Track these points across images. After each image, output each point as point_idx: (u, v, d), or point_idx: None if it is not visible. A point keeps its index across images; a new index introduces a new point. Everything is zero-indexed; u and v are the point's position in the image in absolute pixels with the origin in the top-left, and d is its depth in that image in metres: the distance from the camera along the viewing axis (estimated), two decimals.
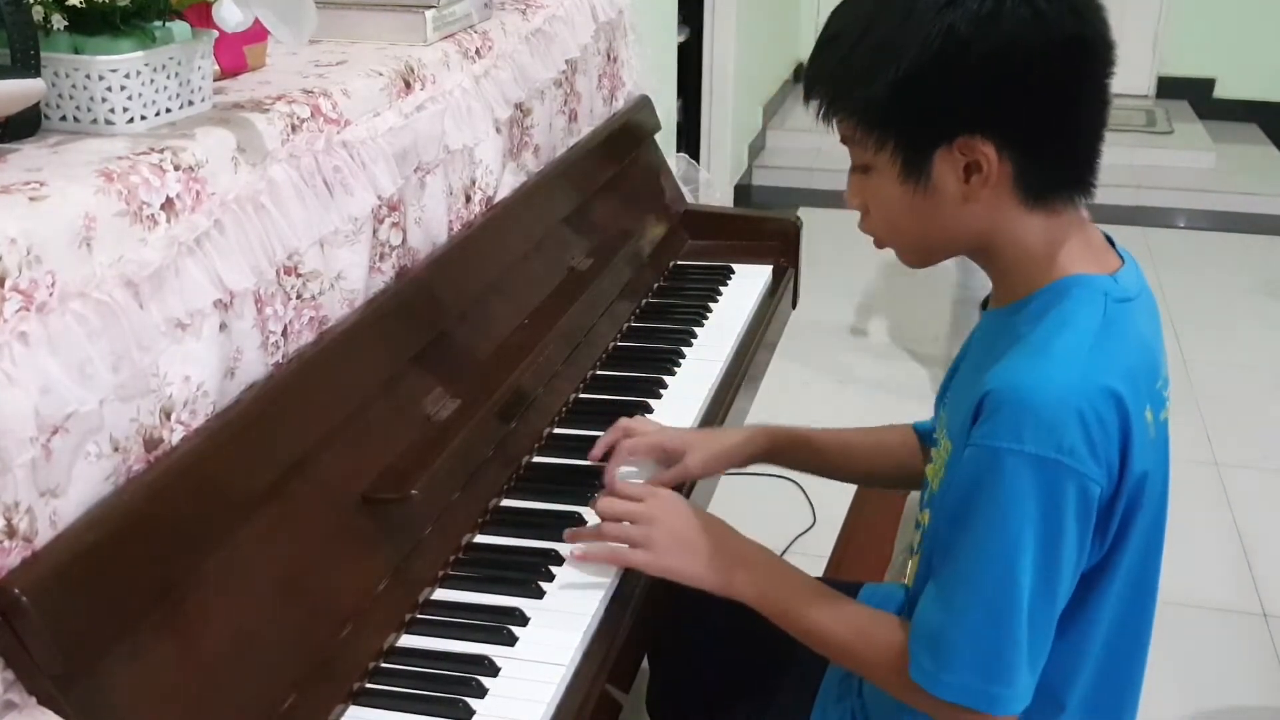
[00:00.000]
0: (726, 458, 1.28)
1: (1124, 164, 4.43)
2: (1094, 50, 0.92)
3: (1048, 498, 0.88)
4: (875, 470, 1.32)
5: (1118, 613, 1.00)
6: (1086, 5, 0.92)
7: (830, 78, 0.97)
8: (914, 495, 1.51)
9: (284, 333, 1.05)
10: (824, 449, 1.31)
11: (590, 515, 1.21)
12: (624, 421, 1.30)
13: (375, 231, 1.17)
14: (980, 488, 0.91)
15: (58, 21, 0.93)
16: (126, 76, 0.96)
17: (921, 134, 0.93)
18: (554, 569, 1.12)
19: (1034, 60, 0.89)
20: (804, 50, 5.32)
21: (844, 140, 0.98)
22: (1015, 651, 0.91)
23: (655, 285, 1.75)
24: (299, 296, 1.06)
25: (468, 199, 1.38)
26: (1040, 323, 0.94)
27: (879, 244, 1.03)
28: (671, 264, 1.83)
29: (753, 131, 4.46)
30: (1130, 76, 5.05)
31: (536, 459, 1.32)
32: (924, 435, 1.26)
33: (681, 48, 3.55)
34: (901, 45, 0.90)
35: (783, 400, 2.84)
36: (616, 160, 1.78)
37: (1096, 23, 0.92)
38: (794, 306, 1.90)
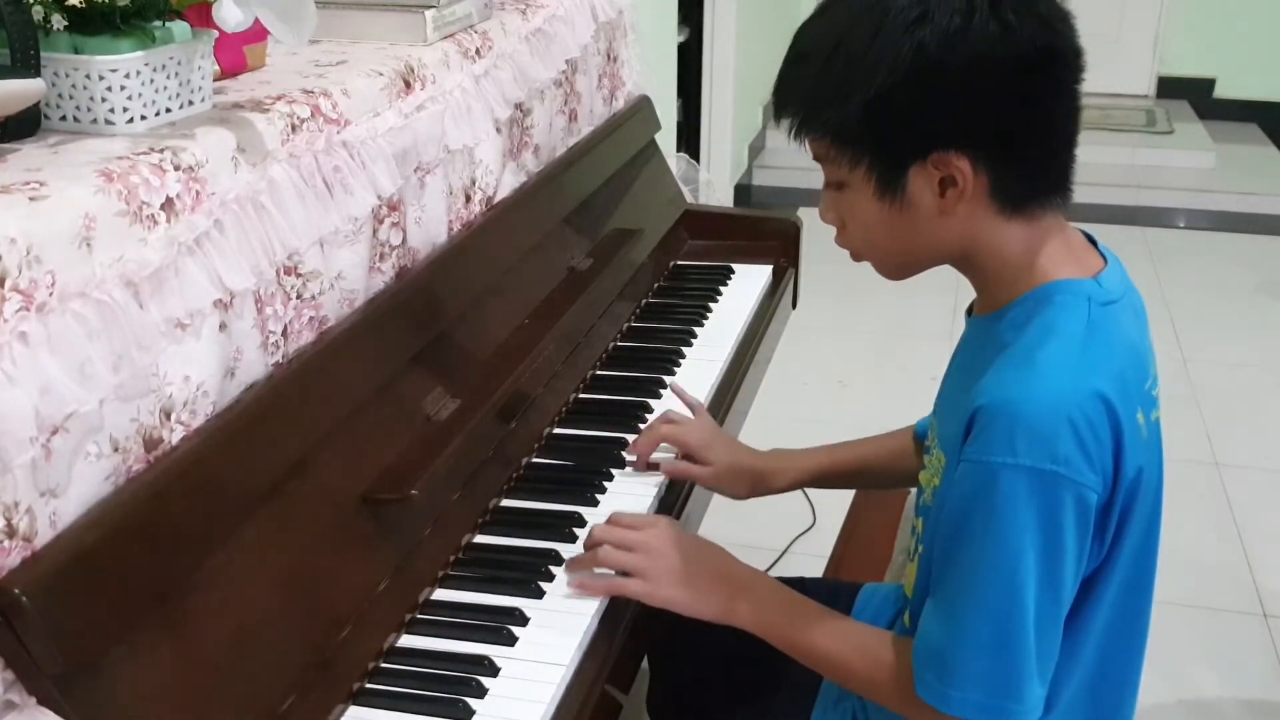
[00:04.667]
0: (735, 488, 1.30)
1: (1124, 164, 4.43)
2: (1064, 59, 0.92)
3: (1046, 509, 0.88)
4: (891, 481, 1.35)
5: (1114, 613, 1.00)
6: (1055, 15, 0.92)
7: (801, 98, 0.96)
8: (912, 496, 1.51)
9: (284, 333, 1.05)
10: (844, 473, 1.33)
11: (591, 515, 1.21)
12: (664, 428, 1.31)
13: (375, 231, 1.17)
14: (977, 503, 0.91)
15: (58, 21, 0.93)
16: (126, 76, 0.96)
17: (896, 151, 0.93)
18: (554, 569, 1.13)
19: (1005, 74, 0.89)
20: None
21: (816, 158, 0.99)
22: (1024, 664, 0.91)
23: (655, 285, 1.75)
24: (299, 296, 1.06)
25: (468, 199, 1.38)
26: (1024, 331, 0.94)
27: (856, 257, 1.03)
28: (671, 264, 1.83)
29: (753, 131, 4.46)
30: (1130, 76, 5.05)
31: (536, 459, 1.32)
32: (920, 437, 1.26)
33: (681, 48, 3.55)
34: (872, 64, 0.89)
35: (783, 400, 2.84)
36: (616, 160, 1.78)
37: (1066, 31, 0.92)
38: (794, 306, 1.90)
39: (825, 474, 1.33)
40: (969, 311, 1.06)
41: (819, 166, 1.01)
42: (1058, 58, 0.92)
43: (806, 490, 2.31)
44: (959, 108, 0.90)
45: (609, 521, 1.14)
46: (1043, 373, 0.90)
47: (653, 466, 1.30)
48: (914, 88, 0.89)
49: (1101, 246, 1.02)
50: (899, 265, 1.02)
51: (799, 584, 1.28)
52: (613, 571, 1.10)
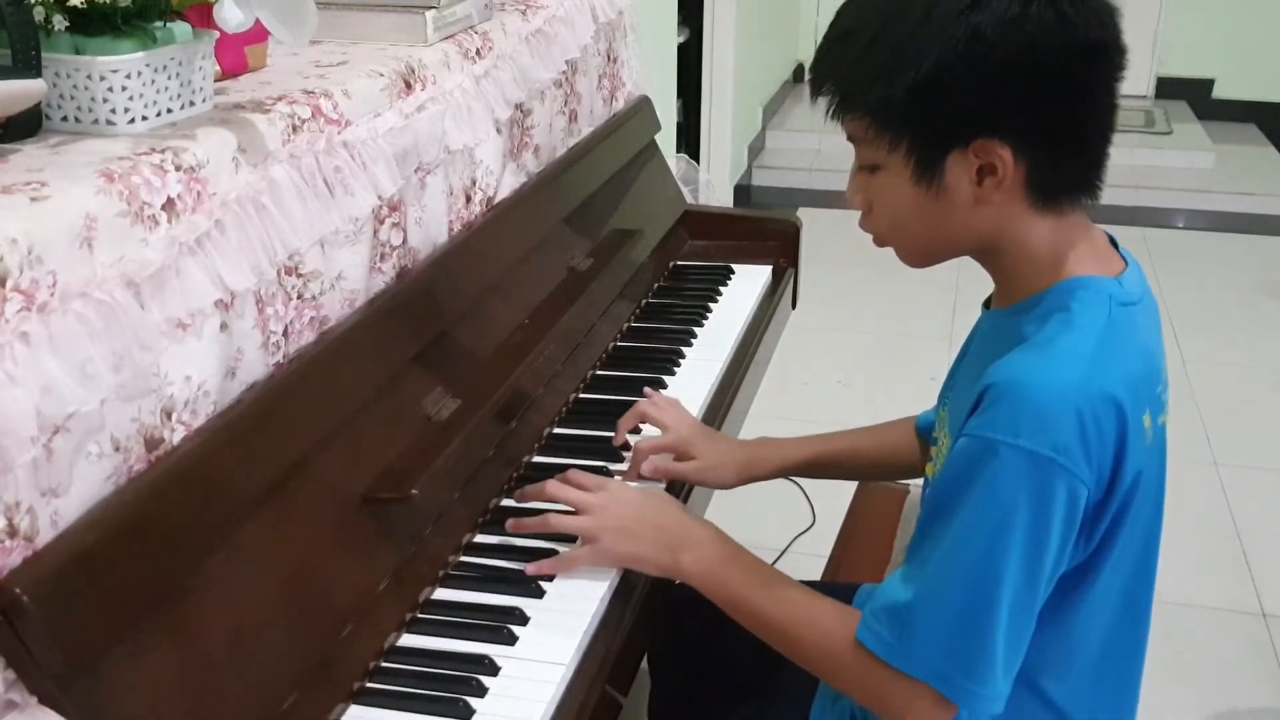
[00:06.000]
0: (726, 477, 1.30)
1: (1123, 164, 4.44)
2: (1111, 55, 0.93)
3: (1038, 494, 0.88)
4: (881, 472, 1.34)
5: (1114, 615, 0.99)
6: (1106, 10, 0.92)
7: (843, 76, 0.95)
8: (914, 495, 1.52)
9: (285, 333, 1.05)
10: (832, 462, 1.32)
11: None
12: (644, 405, 1.31)
13: (376, 232, 1.17)
14: (972, 476, 0.90)
15: (59, 22, 0.93)
16: (128, 77, 0.96)
17: (938, 136, 0.92)
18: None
19: (1057, 64, 0.89)
20: (804, 50, 5.32)
21: (851, 139, 0.98)
22: (990, 646, 0.90)
23: (655, 285, 1.75)
24: (300, 296, 1.07)
25: (468, 199, 1.38)
26: (1046, 323, 0.94)
27: (879, 242, 1.02)
28: (671, 264, 1.83)
29: (753, 131, 4.46)
30: (1129, 77, 4.99)
31: (537, 459, 1.32)
32: (925, 430, 1.26)
33: (681, 48, 3.56)
34: (922, 46, 0.89)
35: (783, 400, 2.85)
36: (616, 161, 1.78)
37: (1114, 28, 0.92)
38: (794, 306, 1.90)
39: (812, 461, 1.32)
40: (986, 304, 1.06)
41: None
42: (1106, 52, 0.92)
43: (806, 490, 2.33)
44: (1007, 96, 0.90)
45: (561, 478, 1.14)
46: (1057, 361, 0.90)
47: (627, 446, 1.30)
48: (965, 72, 0.89)
49: (1122, 249, 1.01)
50: (924, 253, 1.02)
51: None
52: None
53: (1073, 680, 1.00)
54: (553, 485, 1.14)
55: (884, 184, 0.97)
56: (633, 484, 1.19)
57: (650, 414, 1.30)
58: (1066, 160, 0.94)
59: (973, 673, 0.91)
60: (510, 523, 1.14)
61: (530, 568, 1.11)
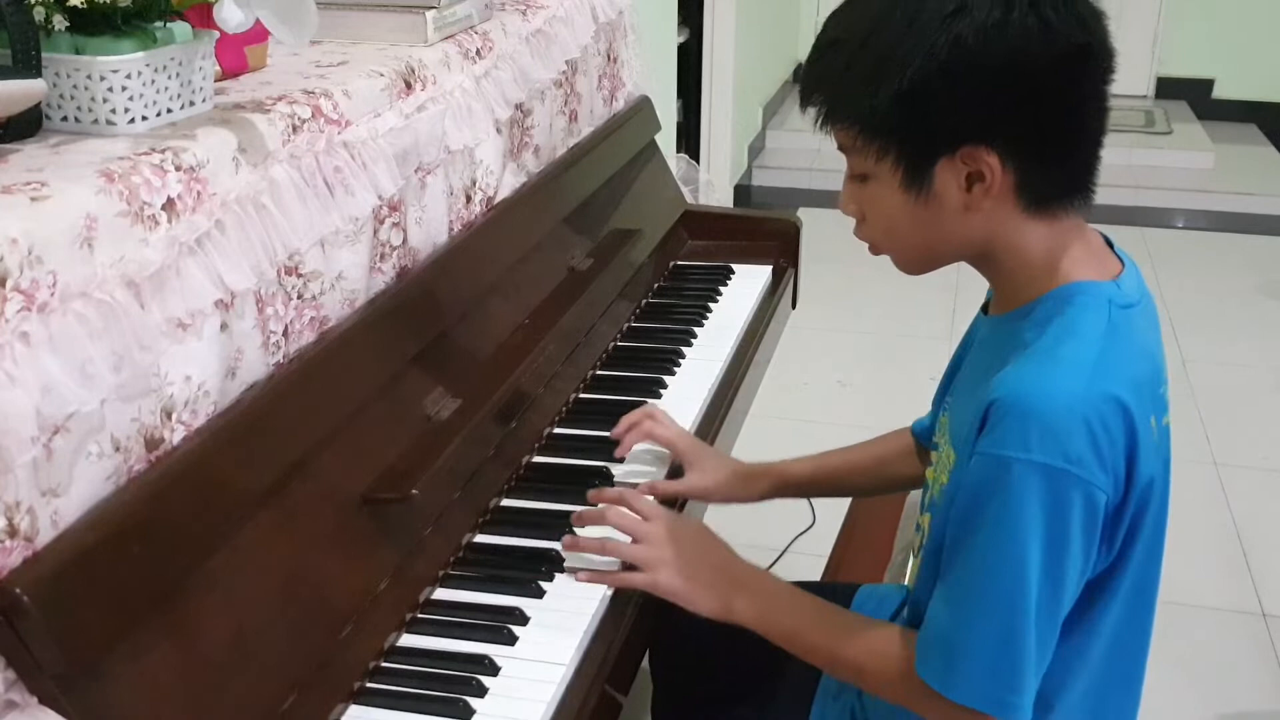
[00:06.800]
0: (725, 491, 1.30)
1: (1123, 164, 4.44)
2: (1098, 59, 0.92)
3: (1054, 506, 0.88)
4: (880, 486, 1.34)
5: (1119, 617, 0.99)
6: (1091, 14, 0.91)
7: (830, 85, 0.95)
8: (914, 495, 1.52)
9: (285, 333, 1.05)
10: (823, 481, 1.33)
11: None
12: (648, 408, 1.32)
13: (376, 232, 1.17)
14: (988, 496, 0.91)
15: (59, 22, 0.93)
16: (128, 77, 0.96)
17: (924, 144, 0.92)
18: (554, 569, 1.13)
19: (1041, 71, 0.89)
20: (804, 51, 5.30)
21: (841, 148, 0.97)
22: (1025, 659, 0.92)
23: (655, 285, 1.75)
24: (300, 296, 1.07)
25: (468, 199, 1.38)
26: (1045, 330, 0.93)
27: (875, 250, 1.02)
28: (671, 264, 1.83)
29: (752, 132, 4.46)
30: (1129, 77, 5.06)
31: (537, 459, 1.32)
32: (922, 435, 1.26)
33: (681, 48, 3.56)
34: (906, 54, 0.89)
35: (783, 400, 2.85)
36: (616, 161, 1.78)
37: (1100, 31, 0.92)
38: (794, 306, 1.90)
39: (809, 478, 1.33)
40: (984, 309, 1.06)
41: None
42: (1092, 56, 0.91)
43: None
44: (992, 103, 0.89)
45: (619, 497, 1.16)
46: (1061, 370, 0.90)
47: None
48: (948, 80, 0.88)
49: (1118, 249, 1.01)
50: (919, 260, 1.01)
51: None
52: (617, 562, 1.11)
53: (1082, 685, 1.00)
54: (613, 513, 1.14)
55: (875, 193, 0.97)
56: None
57: (653, 430, 1.31)
58: (1056, 165, 0.93)
59: (1013, 686, 0.92)
60: (566, 539, 1.14)
61: (582, 575, 1.11)
